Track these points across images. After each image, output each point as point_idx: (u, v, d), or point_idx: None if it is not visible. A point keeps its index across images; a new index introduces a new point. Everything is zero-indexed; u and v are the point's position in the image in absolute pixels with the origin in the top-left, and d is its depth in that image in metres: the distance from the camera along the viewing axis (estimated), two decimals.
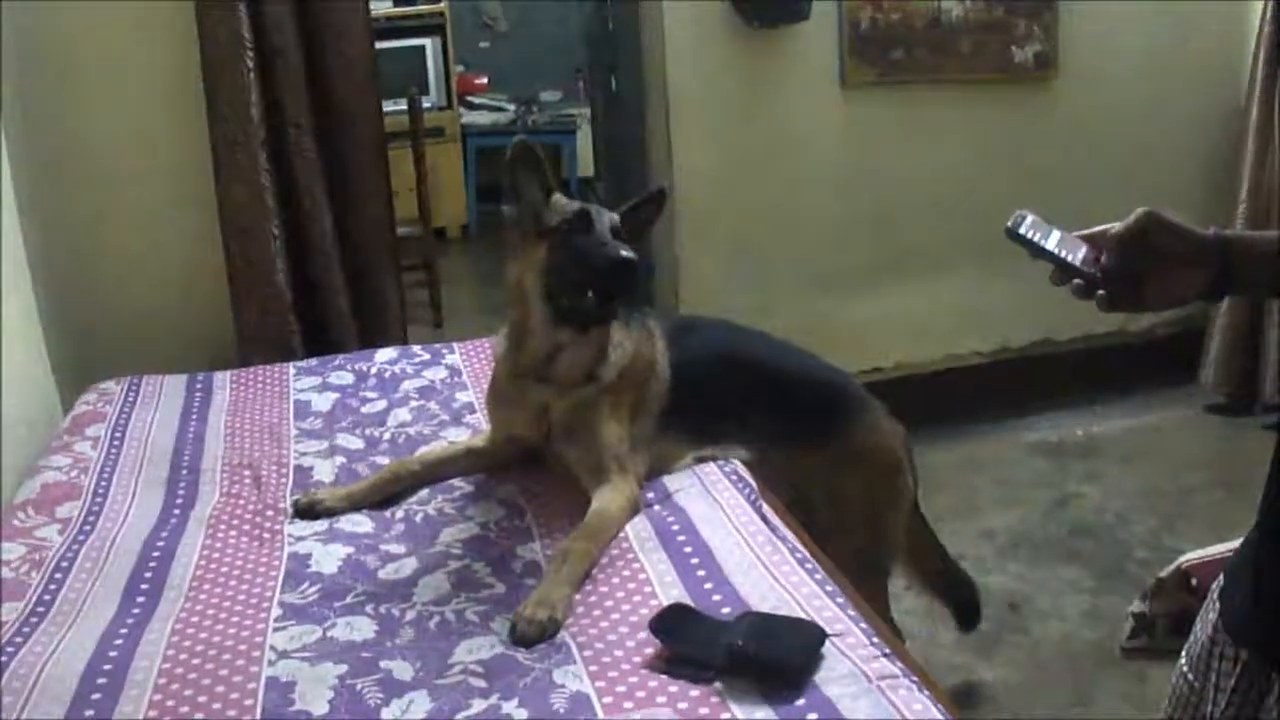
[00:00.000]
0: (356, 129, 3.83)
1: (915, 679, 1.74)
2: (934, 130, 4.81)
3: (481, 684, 1.79)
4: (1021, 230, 1.49)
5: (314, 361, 3.35)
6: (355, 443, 2.81)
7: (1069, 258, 1.46)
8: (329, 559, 2.22)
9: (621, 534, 2.22)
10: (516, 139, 2.47)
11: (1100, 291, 1.45)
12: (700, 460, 2.52)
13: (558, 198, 2.44)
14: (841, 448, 2.76)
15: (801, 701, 1.68)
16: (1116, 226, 1.45)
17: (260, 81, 3.66)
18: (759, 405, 2.63)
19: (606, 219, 2.39)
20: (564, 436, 2.44)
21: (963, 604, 3.24)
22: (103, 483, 2.60)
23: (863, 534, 2.80)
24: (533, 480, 2.50)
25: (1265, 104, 4.72)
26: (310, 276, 3.84)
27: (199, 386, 3.18)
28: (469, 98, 8.67)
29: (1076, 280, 1.46)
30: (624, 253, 2.30)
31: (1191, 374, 5.00)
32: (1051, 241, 1.48)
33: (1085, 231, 1.50)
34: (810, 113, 4.69)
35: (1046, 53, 4.84)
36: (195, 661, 1.89)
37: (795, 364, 2.78)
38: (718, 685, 1.72)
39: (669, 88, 4.53)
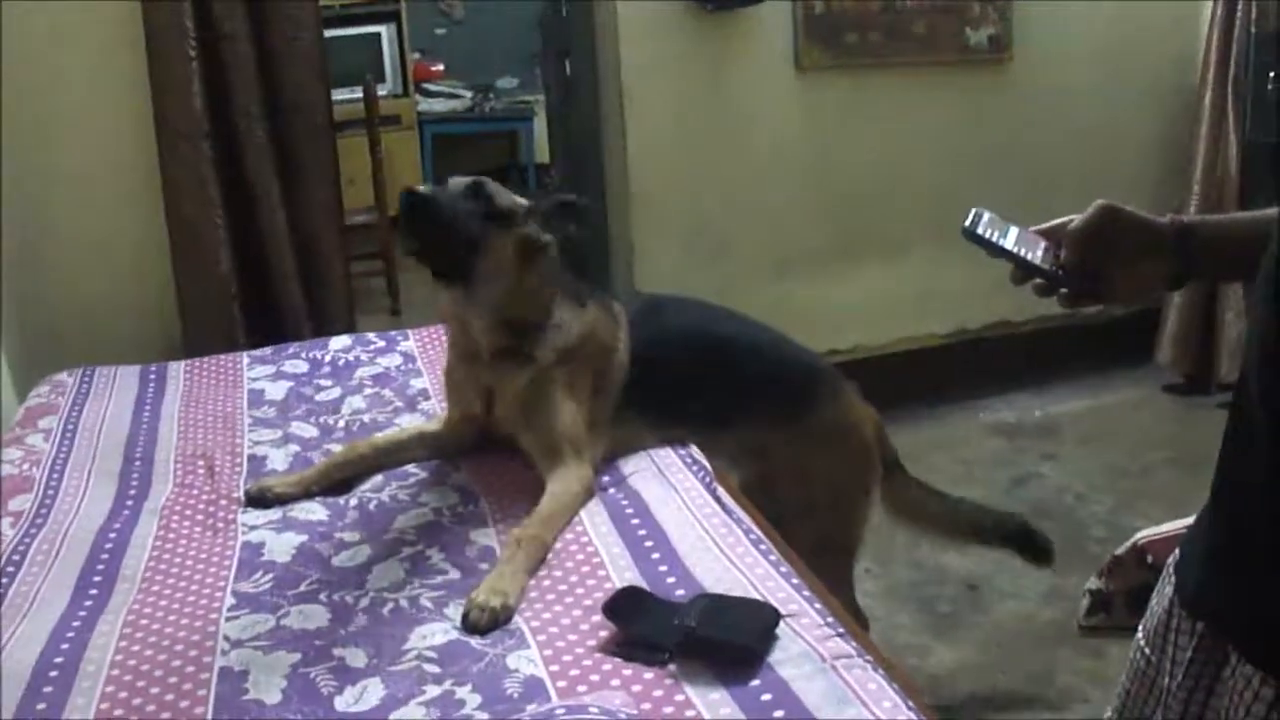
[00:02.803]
0: (306, 116, 3.82)
1: (870, 659, 1.73)
2: (889, 113, 4.83)
3: (435, 670, 1.78)
4: (979, 230, 1.47)
5: (268, 350, 3.32)
6: (309, 431, 2.79)
7: (1029, 256, 1.45)
8: (282, 547, 2.20)
9: (575, 518, 2.21)
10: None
11: (1062, 290, 1.45)
12: (666, 442, 2.50)
13: None
14: (811, 428, 2.74)
15: (756, 682, 1.67)
16: (1075, 221, 1.44)
17: (206, 70, 3.64)
18: (729, 385, 2.61)
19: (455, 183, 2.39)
20: (514, 418, 2.42)
21: (1022, 540, 3.06)
22: (55, 475, 2.57)
23: (829, 515, 2.79)
24: (487, 466, 2.49)
25: (1218, 86, 4.76)
26: (262, 265, 3.82)
27: (153, 377, 3.15)
28: (425, 85, 8.66)
29: (1037, 279, 1.45)
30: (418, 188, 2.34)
31: (1148, 354, 5.05)
32: (1010, 240, 1.46)
33: (1042, 226, 1.49)
34: (765, 96, 4.70)
35: (1000, 36, 4.87)
36: (148, 653, 1.87)
37: (767, 343, 2.76)
38: (672, 667, 1.71)
39: (623, 72, 4.52)
